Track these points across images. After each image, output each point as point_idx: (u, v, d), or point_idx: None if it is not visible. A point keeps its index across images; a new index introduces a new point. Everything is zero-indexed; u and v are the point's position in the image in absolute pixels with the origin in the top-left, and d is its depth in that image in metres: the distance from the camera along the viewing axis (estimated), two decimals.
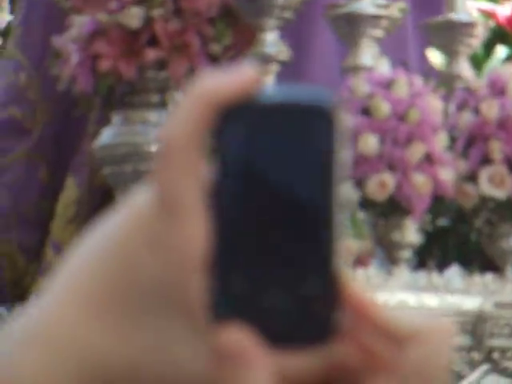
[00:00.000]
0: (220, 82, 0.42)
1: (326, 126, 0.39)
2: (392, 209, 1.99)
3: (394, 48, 2.32)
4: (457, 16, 2.24)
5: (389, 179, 1.93)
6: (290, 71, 2.24)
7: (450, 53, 2.29)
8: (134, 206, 0.44)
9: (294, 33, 2.31)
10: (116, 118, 2.28)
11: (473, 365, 2.02)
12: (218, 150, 0.40)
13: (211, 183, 0.39)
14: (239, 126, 0.40)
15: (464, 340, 1.98)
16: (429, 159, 1.95)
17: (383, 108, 1.94)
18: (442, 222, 2.19)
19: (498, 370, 2.03)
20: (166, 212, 0.41)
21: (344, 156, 0.40)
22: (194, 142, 0.41)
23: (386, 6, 2.15)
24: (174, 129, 0.42)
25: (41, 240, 2.56)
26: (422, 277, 2.05)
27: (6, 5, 3.39)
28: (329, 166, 0.38)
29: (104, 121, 2.38)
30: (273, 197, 0.38)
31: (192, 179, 0.41)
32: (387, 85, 1.98)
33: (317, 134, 0.39)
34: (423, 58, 2.41)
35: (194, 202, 0.40)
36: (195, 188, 0.41)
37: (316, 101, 0.40)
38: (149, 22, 2.20)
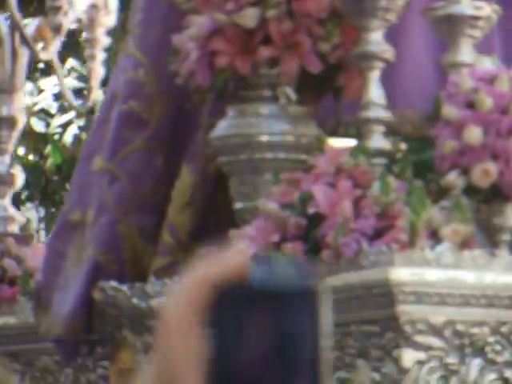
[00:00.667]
0: (216, 267, 0.46)
1: (309, 309, 0.42)
2: (494, 195, 2.21)
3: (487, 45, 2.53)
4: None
5: (492, 168, 2.13)
6: (385, 69, 2.45)
7: None
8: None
9: (387, 33, 2.49)
10: (230, 111, 2.47)
11: None
12: (211, 326, 0.44)
13: (206, 355, 0.43)
14: (230, 308, 0.43)
15: None
16: None
17: (487, 102, 2.14)
18: None
19: None
20: (166, 379, 0.46)
21: (328, 330, 0.43)
22: (191, 317, 0.46)
23: (481, 8, 2.36)
24: (174, 305, 0.47)
25: (158, 223, 2.74)
26: None
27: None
28: (313, 350, 0.42)
29: (216, 113, 2.55)
30: (258, 373, 0.42)
31: (189, 349, 0.45)
32: (490, 80, 2.19)
33: (300, 316, 0.42)
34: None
35: (191, 370, 0.44)
36: (192, 357, 0.45)
37: (299, 286, 0.43)
38: (263, 22, 2.38)
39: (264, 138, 2.46)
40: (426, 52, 2.67)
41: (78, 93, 5.40)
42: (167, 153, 2.81)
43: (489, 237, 2.23)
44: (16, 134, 3.85)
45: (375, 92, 2.39)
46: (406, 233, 2.19)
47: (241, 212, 2.49)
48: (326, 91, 2.59)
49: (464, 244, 2.17)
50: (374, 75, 2.35)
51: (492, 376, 2.26)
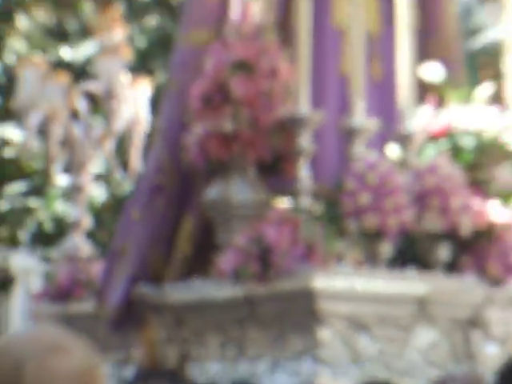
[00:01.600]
0: None
1: None
2: (377, 235, 3.40)
3: None
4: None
5: (374, 219, 3.32)
6: (311, 161, 3.69)
7: None
8: None
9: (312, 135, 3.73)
10: (216, 182, 3.72)
11: None
12: None
13: None
14: None
15: None
16: None
17: (373, 179, 3.37)
18: None
19: None
20: None
21: None
22: None
23: (369, 122, 3.65)
24: None
25: (169, 250, 4.07)
26: None
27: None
28: None
29: (207, 183, 3.82)
30: None
31: None
32: (374, 165, 3.44)
33: None
34: None
35: None
36: None
37: None
38: (236, 131, 3.57)
39: (235, 200, 3.70)
40: (336, 147, 3.89)
41: None
42: (178, 208, 4.06)
43: (373, 261, 3.45)
44: None
45: (304, 173, 3.58)
46: (323, 257, 3.37)
47: (222, 243, 3.70)
48: (274, 172, 3.78)
49: (358, 265, 3.42)
50: (304, 164, 3.58)
51: None
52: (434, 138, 3.83)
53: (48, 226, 9.63)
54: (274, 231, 3.47)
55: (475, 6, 10.52)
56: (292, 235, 3.46)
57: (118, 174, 5.12)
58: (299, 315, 3.52)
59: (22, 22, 10.20)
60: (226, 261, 3.62)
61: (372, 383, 3.42)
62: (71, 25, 10.24)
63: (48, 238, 9.66)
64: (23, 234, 10.14)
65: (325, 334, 3.43)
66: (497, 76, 4.32)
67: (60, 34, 9.97)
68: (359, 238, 3.52)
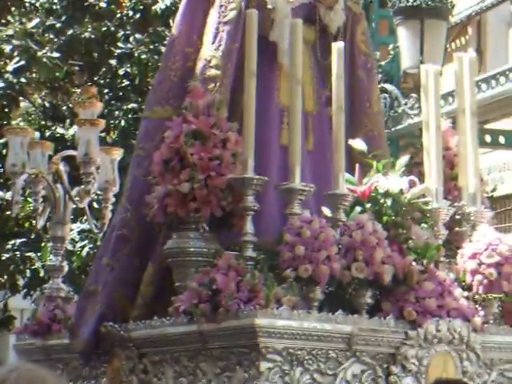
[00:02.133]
0: None
1: None
2: (310, 281, 3.68)
3: None
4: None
5: (308, 267, 3.66)
6: (253, 217, 4.07)
7: None
8: None
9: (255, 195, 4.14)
10: (174, 235, 4.08)
11: None
12: None
13: None
14: None
15: None
16: None
17: (307, 233, 3.72)
18: None
19: None
20: None
21: None
22: None
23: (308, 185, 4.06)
24: None
25: (135, 292, 4.42)
26: None
27: None
28: None
29: (167, 235, 4.18)
30: None
31: None
32: (309, 221, 3.83)
33: None
34: None
35: None
36: None
37: None
38: (192, 190, 3.90)
39: (190, 249, 4.05)
40: (277, 206, 4.28)
41: None
42: (140, 256, 4.46)
43: (307, 304, 3.74)
44: None
45: (249, 228, 3.91)
46: (264, 300, 3.62)
47: (179, 287, 4.02)
48: (224, 226, 4.14)
49: (294, 307, 3.67)
50: (249, 220, 3.92)
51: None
52: (359, 200, 4.12)
53: (42, 274, 10.10)
54: (222, 277, 3.72)
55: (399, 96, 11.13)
56: (237, 280, 3.71)
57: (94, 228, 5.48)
58: (243, 350, 3.71)
59: (21, 104, 10.84)
60: (181, 302, 3.87)
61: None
62: (64, 108, 10.87)
63: (42, 283, 10.18)
64: (21, 280, 10.66)
65: (265, 366, 3.60)
66: (417, 153, 4.71)
67: (54, 116, 10.53)
68: (295, 284, 3.75)
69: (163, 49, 11.89)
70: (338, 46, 4.18)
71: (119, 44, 11.59)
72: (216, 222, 4.15)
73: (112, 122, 10.50)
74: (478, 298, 4.12)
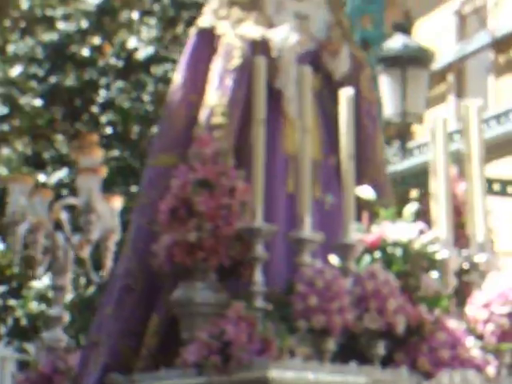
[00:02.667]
0: None
1: None
2: (323, 333, 3.70)
3: None
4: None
5: (321, 318, 3.58)
6: (263, 267, 4.03)
7: None
8: None
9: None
10: (181, 285, 3.99)
11: None
12: None
13: None
14: None
15: None
16: None
17: (320, 283, 3.73)
18: None
19: None
20: None
21: None
22: None
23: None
24: None
25: (139, 343, 4.35)
26: None
27: None
28: None
29: (174, 285, 4.08)
30: None
31: None
32: (320, 272, 3.80)
33: None
34: None
35: None
36: None
37: None
38: (199, 240, 3.86)
39: (198, 300, 3.96)
40: (283, 255, 4.25)
41: None
42: (145, 306, 4.39)
43: (320, 355, 3.71)
44: None
45: (258, 278, 3.88)
46: (277, 351, 3.58)
47: (186, 337, 3.95)
48: (233, 276, 4.07)
49: (307, 358, 3.64)
50: (258, 270, 3.89)
51: None
52: (369, 249, 4.11)
53: (23, 322, 9.95)
54: (233, 327, 3.66)
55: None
56: (249, 331, 3.66)
57: (92, 276, 5.43)
58: None
59: (3, 151, 10.84)
60: (189, 353, 3.78)
61: None
62: (46, 154, 10.91)
63: (23, 332, 10.06)
64: (2, 329, 10.57)
65: None
66: (424, 195, 4.71)
67: (36, 162, 10.60)
68: (307, 335, 3.73)
69: (145, 97, 12.04)
70: (347, 93, 4.19)
71: (101, 92, 11.68)
72: (224, 272, 4.11)
73: None
74: (490, 347, 4.09)
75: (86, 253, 5.17)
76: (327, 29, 4.83)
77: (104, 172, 5.07)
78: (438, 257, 4.18)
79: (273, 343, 3.66)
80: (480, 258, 4.36)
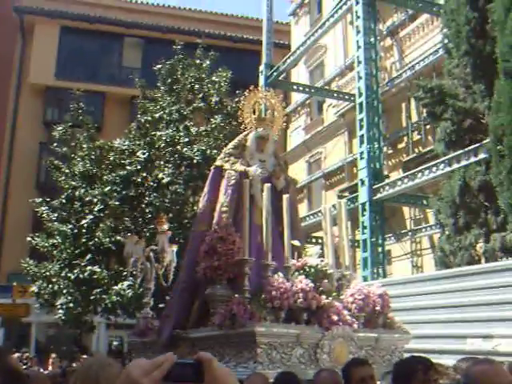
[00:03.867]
0: (143, 364, 0.52)
1: None
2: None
3: None
4: None
5: None
6: None
7: None
8: None
9: None
10: (209, 287, 4.18)
11: None
12: None
13: None
14: None
15: None
16: None
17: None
18: None
19: None
20: None
21: None
22: None
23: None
24: None
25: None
26: None
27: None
28: None
29: (207, 287, 4.17)
30: None
31: None
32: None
33: None
34: None
35: None
36: None
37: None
38: (219, 265, 4.08)
39: (218, 294, 4.09)
40: (257, 272, 4.15)
41: None
42: (192, 297, 4.40)
43: (277, 320, 3.75)
44: None
45: (246, 283, 3.96)
46: (256, 318, 3.63)
47: (213, 312, 3.94)
48: (234, 283, 4.13)
49: (272, 321, 3.73)
50: (246, 278, 4.04)
51: None
52: (298, 268, 4.19)
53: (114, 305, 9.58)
54: (236, 306, 3.77)
55: None
56: (244, 308, 3.75)
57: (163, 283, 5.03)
58: (248, 343, 3.73)
59: None
60: (215, 319, 3.96)
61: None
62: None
63: (112, 310, 9.38)
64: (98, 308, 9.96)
65: (258, 350, 3.65)
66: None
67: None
68: (271, 310, 3.75)
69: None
70: (285, 197, 4.39)
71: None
72: (230, 280, 4.23)
73: None
74: (354, 315, 4.18)
75: (160, 271, 5.04)
76: (274, 166, 5.00)
77: (169, 234, 5.14)
78: (329, 271, 4.30)
79: (256, 314, 3.76)
80: (347, 273, 4.54)
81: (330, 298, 4.07)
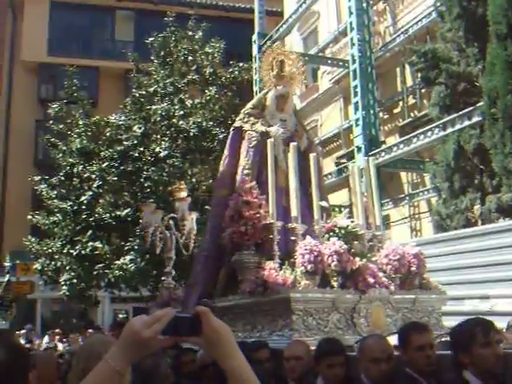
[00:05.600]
0: (146, 320, 0.59)
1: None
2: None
3: None
4: None
5: None
6: None
7: None
8: None
9: None
10: (237, 253, 3.91)
11: None
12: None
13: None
14: None
15: None
16: None
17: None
18: None
19: None
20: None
21: None
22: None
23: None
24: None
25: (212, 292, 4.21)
26: None
27: None
28: None
29: (233, 254, 3.94)
30: None
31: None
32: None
33: None
34: None
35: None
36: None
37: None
38: (246, 230, 3.81)
39: (246, 260, 3.86)
40: (284, 236, 3.99)
41: None
42: (217, 265, 4.21)
43: (312, 285, 3.59)
44: None
45: (275, 247, 3.72)
46: (288, 283, 3.42)
47: (241, 280, 3.73)
48: (262, 247, 3.92)
49: (306, 286, 3.58)
50: (275, 243, 3.77)
51: None
52: (328, 230, 3.93)
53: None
54: (267, 272, 3.58)
55: None
56: (275, 274, 3.54)
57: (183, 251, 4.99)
58: (282, 310, 3.53)
59: None
60: (245, 286, 3.75)
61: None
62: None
63: (115, 284, 9.07)
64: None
65: (294, 317, 3.44)
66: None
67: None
68: (305, 274, 3.49)
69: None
70: (312, 155, 4.18)
71: None
72: (258, 246, 4.00)
73: None
74: (390, 277, 3.95)
75: (181, 240, 4.92)
76: (295, 125, 4.77)
77: (188, 200, 4.97)
78: (360, 232, 4.06)
79: (288, 279, 3.55)
80: (378, 233, 4.30)
81: (364, 260, 3.82)
